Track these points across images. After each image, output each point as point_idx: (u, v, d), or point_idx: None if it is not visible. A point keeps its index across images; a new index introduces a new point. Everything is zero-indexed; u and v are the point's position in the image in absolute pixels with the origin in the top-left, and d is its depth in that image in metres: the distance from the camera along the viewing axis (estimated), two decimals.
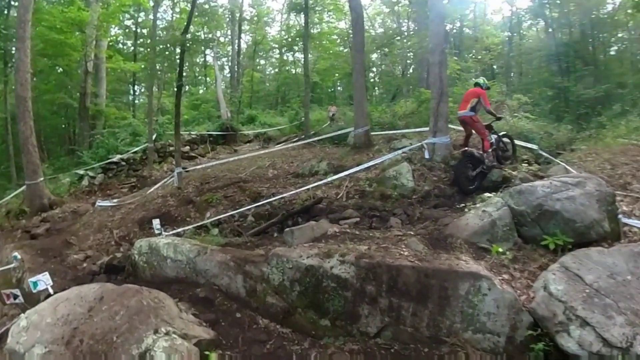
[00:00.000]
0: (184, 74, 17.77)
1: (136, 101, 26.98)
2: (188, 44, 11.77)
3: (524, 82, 22.02)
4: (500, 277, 4.98)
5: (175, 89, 12.12)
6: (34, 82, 21.83)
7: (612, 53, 22.40)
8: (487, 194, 7.20)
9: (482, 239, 5.77)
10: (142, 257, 7.21)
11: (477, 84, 9.70)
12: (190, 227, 8.22)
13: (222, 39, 33.17)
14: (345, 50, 31.68)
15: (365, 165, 9.27)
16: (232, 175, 11.55)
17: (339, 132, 15.03)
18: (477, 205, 6.62)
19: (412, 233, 6.20)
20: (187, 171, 12.43)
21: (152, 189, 11.65)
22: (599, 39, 21.18)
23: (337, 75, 31.60)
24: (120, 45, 26.75)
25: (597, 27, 20.61)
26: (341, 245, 5.48)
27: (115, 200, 12.31)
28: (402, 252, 5.22)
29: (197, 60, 33.55)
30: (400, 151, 10.06)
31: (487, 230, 5.83)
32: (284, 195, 8.77)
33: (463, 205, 7.32)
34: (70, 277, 8.46)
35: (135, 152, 16.55)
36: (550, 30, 22.08)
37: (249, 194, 9.75)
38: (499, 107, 15.02)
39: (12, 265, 8.16)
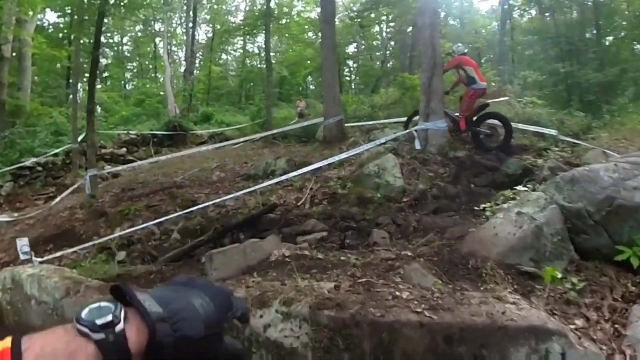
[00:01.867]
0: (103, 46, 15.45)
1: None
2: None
3: (519, 69, 20.53)
4: (573, 326, 3.01)
5: (91, 62, 9.84)
6: None
7: (610, 38, 21.34)
8: (507, 191, 5.59)
9: (524, 257, 3.85)
10: (5, 296, 5.27)
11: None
12: (79, 247, 5.97)
13: (178, 30, 31.01)
14: (318, 41, 29.96)
15: (335, 158, 7.26)
16: (166, 180, 9.40)
17: (305, 124, 13.02)
18: (501, 205, 4.88)
19: (409, 254, 4.15)
20: (102, 178, 10.24)
21: (57, 199, 9.36)
22: (600, 23, 20.01)
23: (307, 69, 29.69)
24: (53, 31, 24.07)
25: (598, 9, 19.42)
26: (288, 282, 3.37)
27: (14, 215, 9.96)
28: (397, 292, 3.16)
29: (147, 49, 31.18)
30: (381, 141, 8.05)
31: (529, 243, 3.91)
32: (218, 200, 6.62)
33: (475, 207, 5.81)
34: None
35: (55, 155, 14.13)
36: (546, 14, 20.93)
37: (181, 203, 7.61)
38: (500, 93, 13.32)
39: None
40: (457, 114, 8.83)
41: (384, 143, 8.18)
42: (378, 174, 7.31)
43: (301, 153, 10.35)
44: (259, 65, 31.49)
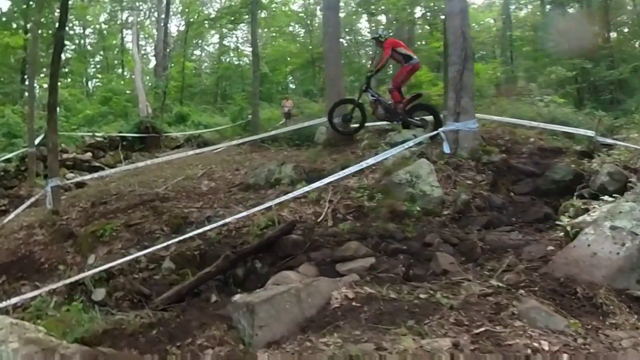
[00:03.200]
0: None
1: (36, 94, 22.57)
2: None
3: (526, 66, 19.94)
4: None
5: (55, 45, 8.48)
6: None
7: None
8: (576, 202, 5.57)
9: (631, 280, 3.53)
10: None
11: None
12: (43, 289, 4.75)
13: (146, 22, 29.49)
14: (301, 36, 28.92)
15: (362, 165, 6.21)
16: (145, 191, 8.20)
17: (303, 126, 11.95)
18: (573, 218, 4.67)
19: (500, 285, 3.52)
20: (65, 188, 8.94)
21: (11, 215, 8.01)
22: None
23: (289, 66, 28.60)
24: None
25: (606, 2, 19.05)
26: (385, 343, 2.41)
27: None
28: (534, 343, 2.54)
29: (114, 42, 29.52)
30: (409, 144, 7.07)
31: (635, 263, 3.57)
32: (227, 220, 5.47)
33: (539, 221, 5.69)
34: None
35: (8, 161, 12.65)
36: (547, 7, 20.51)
37: (169, 220, 6.46)
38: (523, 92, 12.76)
39: None
40: (389, 101, 8.76)
41: (412, 146, 7.20)
42: (411, 182, 6.34)
43: (301, 158, 9.31)
44: (236, 62, 30.30)
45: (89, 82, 30.69)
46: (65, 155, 13.56)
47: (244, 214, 5.39)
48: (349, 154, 8.61)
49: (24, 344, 3.23)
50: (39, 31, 12.89)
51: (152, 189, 8.25)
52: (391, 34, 9.37)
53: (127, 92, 22.91)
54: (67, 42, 24.58)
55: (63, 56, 16.19)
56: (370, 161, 6.22)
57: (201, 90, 28.57)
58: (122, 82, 25.57)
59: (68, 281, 4.54)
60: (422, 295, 3.44)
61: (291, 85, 32.44)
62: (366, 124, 9.48)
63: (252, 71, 15.83)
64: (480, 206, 6.26)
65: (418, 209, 5.93)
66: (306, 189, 5.83)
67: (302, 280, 3.34)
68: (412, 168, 6.52)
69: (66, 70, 23.96)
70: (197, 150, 11.02)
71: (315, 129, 11.97)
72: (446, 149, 7.44)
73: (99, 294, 4.89)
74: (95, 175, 10.00)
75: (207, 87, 29.42)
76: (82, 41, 29.71)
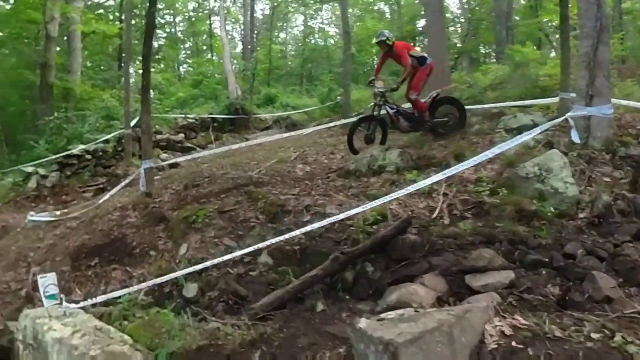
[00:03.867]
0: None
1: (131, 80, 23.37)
2: None
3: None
4: None
5: (147, 23, 8.19)
6: None
7: None
8: None
9: None
10: (26, 351, 3.72)
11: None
12: (134, 288, 4.28)
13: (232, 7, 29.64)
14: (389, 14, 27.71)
15: (487, 154, 5.25)
16: (238, 174, 7.71)
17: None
18: None
19: None
20: (159, 168, 8.66)
21: (107, 196, 7.87)
22: None
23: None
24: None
25: None
26: None
27: (55, 213, 8.63)
28: None
29: (202, 28, 29.88)
30: (536, 131, 6.00)
31: None
32: (339, 216, 4.71)
33: None
34: None
35: (106, 142, 12.84)
36: None
37: (264, 208, 5.89)
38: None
39: None
40: (412, 110, 8.16)
41: (539, 133, 6.12)
42: (540, 177, 5.33)
43: (400, 143, 8.43)
44: (322, 43, 29.69)
45: (180, 67, 31.42)
46: (159, 136, 13.59)
47: (360, 209, 4.59)
48: (458, 140, 7.64)
49: (108, 356, 2.75)
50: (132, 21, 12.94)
51: (245, 172, 7.74)
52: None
53: (217, 75, 22.98)
54: (158, 30, 25.35)
55: (155, 44, 16.50)
56: (497, 150, 5.25)
57: (287, 72, 28.23)
58: (212, 66, 25.71)
59: (159, 281, 4.03)
60: (594, 335, 2.57)
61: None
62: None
63: (343, 50, 15.01)
64: (624, 210, 5.11)
65: (552, 209, 4.94)
66: (427, 181, 4.92)
67: (451, 312, 2.52)
68: (542, 160, 5.47)
69: (158, 56, 24.59)
70: (293, 133, 10.44)
71: None
72: (575, 138, 6.29)
73: (191, 289, 4.40)
74: (189, 157, 9.75)
75: (292, 69, 29.05)
76: (173, 29, 30.47)
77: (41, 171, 11.87)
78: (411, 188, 4.71)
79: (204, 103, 18.30)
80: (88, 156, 12.31)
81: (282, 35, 33.92)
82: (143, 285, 4.13)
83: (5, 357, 4.69)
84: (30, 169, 11.94)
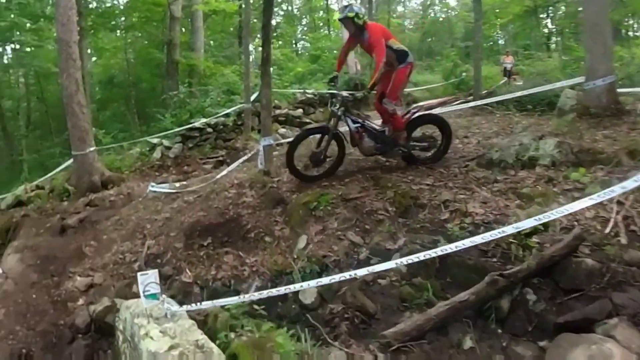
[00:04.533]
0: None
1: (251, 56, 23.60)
2: None
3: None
4: None
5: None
6: (122, 34, 19.57)
7: None
8: None
9: None
10: (125, 344, 3.48)
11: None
12: (246, 297, 3.56)
13: None
14: None
15: None
16: (361, 156, 6.86)
17: (544, 89, 9.46)
18: None
19: None
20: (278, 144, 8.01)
21: (224, 172, 7.46)
22: None
23: (500, 18, 25.00)
24: None
25: None
26: None
27: (174, 185, 8.46)
28: None
29: (319, 4, 29.40)
30: None
31: None
32: (523, 224, 3.57)
33: None
34: (39, 339, 5.17)
35: (227, 116, 12.74)
36: None
37: (394, 198, 5.01)
38: None
39: None
40: (382, 128, 6.14)
41: None
42: None
43: (546, 129, 7.04)
44: (443, 16, 27.84)
45: (297, 44, 31.21)
46: (277, 111, 13.29)
47: (533, 222, 3.40)
48: (624, 130, 6.15)
49: None
50: None
51: None
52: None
53: (335, 50, 22.31)
54: (275, 8, 25.20)
55: (273, 22, 16.19)
56: None
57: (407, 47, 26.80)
58: (329, 41, 25.07)
59: (275, 292, 3.30)
60: None
61: (500, 42, 28.82)
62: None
63: (474, 20, 13.34)
64: None
65: None
66: (612, 191, 3.58)
67: None
68: None
69: (276, 34, 24.46)
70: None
71: (551, 92, 9.48)
72: None
73: (309, 294, 3.70)
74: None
75: (411, 44, 27.53)
76: (290, 7, 30.28)
77: (165, 142, 12.07)
78: (588, 200, 3.39)
79: (322, 78, 17.75)
80: (209, 129, 12.31)
81: (400, 8, 32.47)
82: (256, 295, 3.44)
83: (109, 334, 4.40)
84: (155, 140, 12.17)
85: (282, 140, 7.42)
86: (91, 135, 10.40)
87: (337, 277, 2.99)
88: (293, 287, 3.18)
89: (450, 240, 3.85)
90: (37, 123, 20.19)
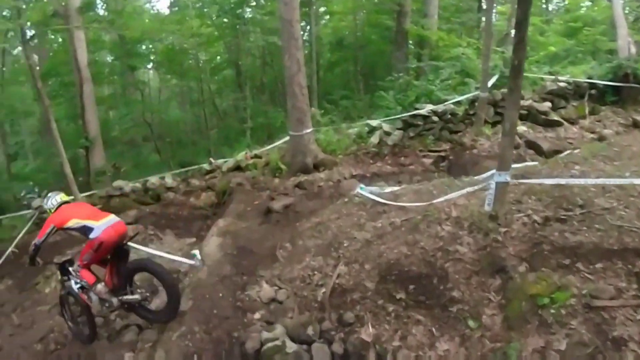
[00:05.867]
0: None
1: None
2: None
3: None
4: None
5: None
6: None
7: None
8: None
9: None
10: None
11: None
12: None
13: None
14: None
15: None
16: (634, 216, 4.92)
17: None
18: None
19: None
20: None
21: (443, 198, 6.23)
22: None
23: None
24: None
25: None
26: None
27: (384, 191, 7.60)
28: None
29: None
30: None
31: None
32: None
33: None
34: (211, 346, 5.19)
35: (457, 103, 11.32)
36: None
37: None
38: None
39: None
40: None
41: None
42: None
43: None
44: None
45: (548, 5, 25.70)
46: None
47: None
48: None
49: None
50: None
51: None
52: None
53: (602, 25, 17.61)
54: None
55: None
56: None
57: None
58: (595, 9, 19.77)
59: None
60: None
61: None
62: None
63: None
64: None
65: None
66: None
67: None
68: None
69: None
70: None
71: None
72: None
73: None
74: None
75: None
76: None
77: (385, 127, 11.33)
78: None
79: (582, 60, 14.48)
80: (435, 118, 11.10)
81: None
82: None
83: None
84: (375, 123, 11.54)
85: (527, 181, 5.74)
86: (309, 117, 10.39)
87: None
88: None
89: None
90: (267, 86, 21.45)
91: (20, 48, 18.99)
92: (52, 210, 5.60)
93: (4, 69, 19.02)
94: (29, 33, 16.09)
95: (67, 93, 19.06)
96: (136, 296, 5.53)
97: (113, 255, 5.55)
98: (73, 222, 5.32)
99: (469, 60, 12.94)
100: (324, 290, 5.59)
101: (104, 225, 5.27)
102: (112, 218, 5.47)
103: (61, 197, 5.77)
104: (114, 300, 5.47)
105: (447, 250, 5.22)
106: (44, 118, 15.93)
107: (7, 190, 12.47)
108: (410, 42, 17.52)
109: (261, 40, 17.78)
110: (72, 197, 6.38)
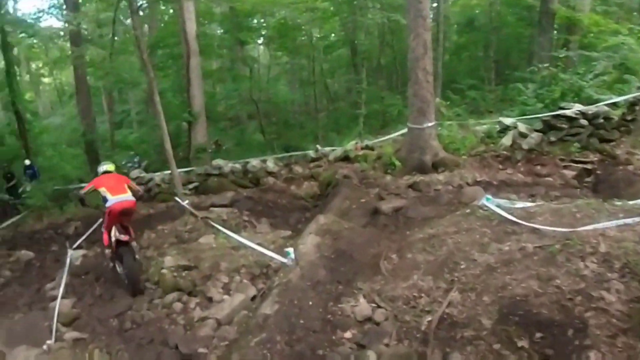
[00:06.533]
0: None
1: None
2: None
3: None
4: None
5: None
6: None
7: None
8: None
9: None
10: None
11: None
12: None
13: None
14: None
15: None
16: None
17: None
18: None
19: None
20: None
21: (591, 226, 5.21)
22: None
23: None
24: None
25: None
26: None
27: (515, 204, 6.68)
28: None
29: None
30: None
31: None
32: None
33: None
34: None
35: (613, 105, 9.81)
36: None
37: None
38: None
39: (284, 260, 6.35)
40: None
41: None
42: None
43: None
44: None
45: None
46: None
47: None
48: None
49: None
50: None
51: None
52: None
53: None
54: None
55: None
56: None
57: None
58: None
59: None
60: None
61: None
62: None
63: None
64: None
65: None
66: None
67: None
68: None
69: None
70: None
71: None
72: None
73: None
74: None
75: None
76: None
77: (520, 127, 10.16)
78: None
79: None
80: (583, 121, 9.67)
81: None
82: None
83: None
84: (509, 121, 10.43)
85: None
86: (432, 108, 9.65)
87: None
88: None
89: None
90: (385, 68, 20.53)
91: None
92: (100, 174, 7.56)
93: (116, 38, 20.08)
94: (139, 2, 16.70)
95: (174, 65, 19.83)
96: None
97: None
98: (102, 190, 7.08)
99: (631, 51, 11.12)
100: (430, 318, 4.91)
101: (115, 200, 6.92)
102: (126, 196, 7.08)
103: (107, 167, 7.73)
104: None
105: (589, 295, 4.29)
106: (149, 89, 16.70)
107: (109, 158, 13.28)
108: (556, 26, 15.63)
109: (381, 17, 16.98)
110: (112, 168, 7.86)
